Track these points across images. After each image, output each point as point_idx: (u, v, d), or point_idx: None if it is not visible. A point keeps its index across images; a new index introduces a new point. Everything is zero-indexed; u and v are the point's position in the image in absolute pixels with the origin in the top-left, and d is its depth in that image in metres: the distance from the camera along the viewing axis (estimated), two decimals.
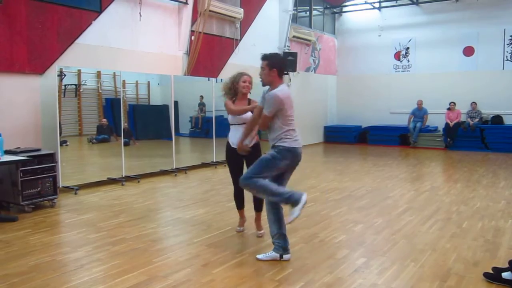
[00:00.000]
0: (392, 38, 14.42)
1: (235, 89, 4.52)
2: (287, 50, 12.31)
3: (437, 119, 13.26)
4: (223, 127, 9.27)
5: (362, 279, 3.49)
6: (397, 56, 14.48)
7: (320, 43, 14.37)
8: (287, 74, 12.45)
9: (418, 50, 14.07)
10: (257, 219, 4.68)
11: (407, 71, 14.34)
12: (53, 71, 6.76)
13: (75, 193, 6.52)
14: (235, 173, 4.52)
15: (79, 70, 7.39)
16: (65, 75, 6.93)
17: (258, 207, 4.63)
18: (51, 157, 5.95)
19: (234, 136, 4.46)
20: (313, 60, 14.17)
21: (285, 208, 3.93)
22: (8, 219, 5.12)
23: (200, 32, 9.08)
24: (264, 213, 4.27)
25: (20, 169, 5.49)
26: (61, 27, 6.95)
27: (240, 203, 4.75)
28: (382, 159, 10.67)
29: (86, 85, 7.60)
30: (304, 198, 3.80)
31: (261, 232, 4.60)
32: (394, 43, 14.46)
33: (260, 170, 3.87)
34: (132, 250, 4.13)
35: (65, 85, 7.02)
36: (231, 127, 4.57)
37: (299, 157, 4.02)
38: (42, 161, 5.78)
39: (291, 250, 4.07)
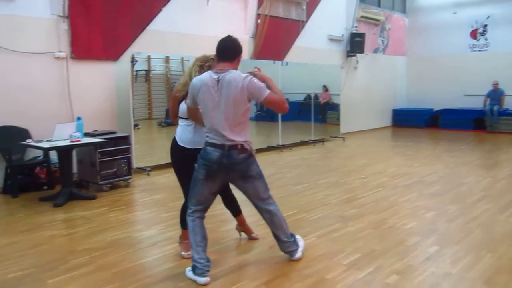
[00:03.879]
0: (468, 15, 13.53)
1: None
2: (354, 31, 11.98)
3: None
4: (289, 110, 9.24)
5: (435, 268, 3.37)
6: (474, 34, 13.58)
7: (389, 23, 13.82)
8: (354, 55, 12.14)
9: (497, 27, 13.08)
10: (243, 223, 4.03)
11: (485, 50, 13.42)
12: (126, 57, 7.06)
13: (148, 174, 6.82)
14: (188, 181, 3.41)
15: (148, 56, 7.65)
16: (136, 61, 7.21)
17: (236, 211, 3.96)
18: (126, 139, 6.26)
19: (186, 134, 3.50)
20: (382, 40, 13.68)
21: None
22: (88, 197, 5.47)
23: (266, 15, 9.06)
24: (247, 214, 3.93)
25: (98, 150, 5.83)
26: (133, 14, 7.22)
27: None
28: (455, 144, 10.16)
29: (155, 70, 7.86)
30: (198, 281, 3.12)
31: (254, 234, 4.04)
32: (470, 21, 13.55)
33: (190, 193, 3.31)
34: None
35: (136, 71, 7.31)
36: (181, 121, 3.56)
37: (217, 164, 3.15)
38: (117, 143, 6.09)
39: (359, 235, 4.05)
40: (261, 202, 3.39)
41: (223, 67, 3.16)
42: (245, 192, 3.36)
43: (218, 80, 3.10)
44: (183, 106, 3.48)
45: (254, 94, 3.12)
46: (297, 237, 3.64)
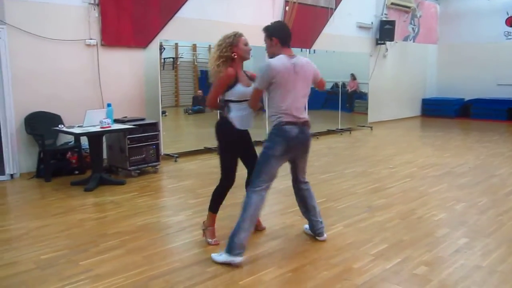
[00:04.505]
0: (504, 2, 13.03)
1: (232, 56, 3.47)
2: (384, 19, 11.74)
3: None
4: (315, 98, 9.16)
5: (464, 260, 3.32)
6: (509, 22, 13.09)
7: (420, 9, 13.48)
8: (383, 43, 11.92)
9: None
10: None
11: None
12: (154, 45, 7.13)
13: (175, 161, 6.91)
14: (234, 165, 3.58)
15: (176, 44, 7.69)
16: (164, 48, 7.26)
17: None
18: (154, 126, 6.34)
19: (243, 117, 3.51)
20: (412, 28, 13.36)
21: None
22: (118, 183, 5.58)
23: (294, 2, 8.96)
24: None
25: (128, 136, 5.93)
26: (162, 2, 7.25)
27: (219, 205, 3.70)
28: (486, 135, 9.90)
29: (182, 58, 7.90)
30: (236, 261, 3.19)
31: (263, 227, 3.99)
32: (506, 7, 13.07)
33: (259, 170, 3.37)
34: (229, 216, 4.28)
35: (164, 59, 7.36)
36: (237, 104, 3.49)
37: (295, 139, 3.36)
38: (146, 130, 6.17)
39: (387, 225, 4.03)
40: (303, 175, 3.72)
41: (291, 52, 3.40)
42: (300, 165, 3.66)
43: (294, 64, 3.32)
44: (240, 89, 3.44)
45: (317, 77, 3.57)
46: None
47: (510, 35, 13.15)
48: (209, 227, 3.69)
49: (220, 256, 3.25)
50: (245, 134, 3.62)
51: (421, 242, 3.66)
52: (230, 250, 3.21)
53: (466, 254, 3.43)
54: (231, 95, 3.46)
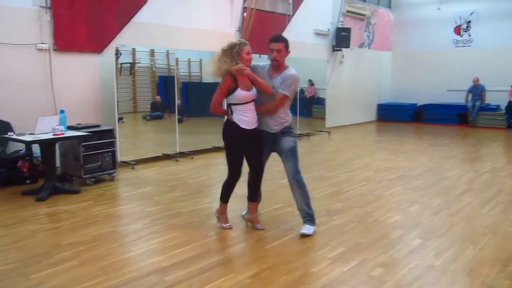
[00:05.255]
0: (453, 11, 13.67)
1: (235, 62, 3.78)
2: (340, 26, 12.01)
3: (499, 97, 12.53)
4: None
5: (418, 260, 3.42)
6: (458, 30, 13.73)
7: (375, 17, 13.89)
8: (340, 50, 12.18)
9: (481, 23, 13.25)
10: (253, 211, 4.16)
11: (468, 46, 13.59)
12: (110, 49, 6.97)
13: (133, 168, 6.77)
14: (240, 160, 4.01)
15: (133, 49, 7.56)
16: (121, 53, 7.11)
17: (255, 197, 4.18)
18: (110, 133, 6.19)
19: (250, 116, 3.86)
20: (368, 35, 13.74)
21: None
22: (72, 191, 5.40)
23: (252, 9, 9.02)
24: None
25: (82, 144, 5.75)
26: (118, 6, 7.11)
27: (228, 196, 4.11)
28: (439, 139, 10.29)
29: (140, 63, 7.77)
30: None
31: (259, 225, 4.11)
32: (454, 17, 13.70)
33: (297, 160, 4.02)
34: (188, 223, 4.26)
35: (121, 64, 7.21)
36: (236, 107, 3.82)
37: None
38: (102, 137, 6.01)
39: (345, 228, 4.09)
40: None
41: None
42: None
43: None
44: (240, 93, 3.78)
45: None
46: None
47: (458, 43, 13.77)
48: (222, 214, 4.09)
49: (310, 229, 3.90)
50: (252, 133, 3.89)
51: (377, 244, 3.75)
52: (314, 219, 3.97)
53: (420, 254, 3.54)
54: (232, 99, 3.80)
